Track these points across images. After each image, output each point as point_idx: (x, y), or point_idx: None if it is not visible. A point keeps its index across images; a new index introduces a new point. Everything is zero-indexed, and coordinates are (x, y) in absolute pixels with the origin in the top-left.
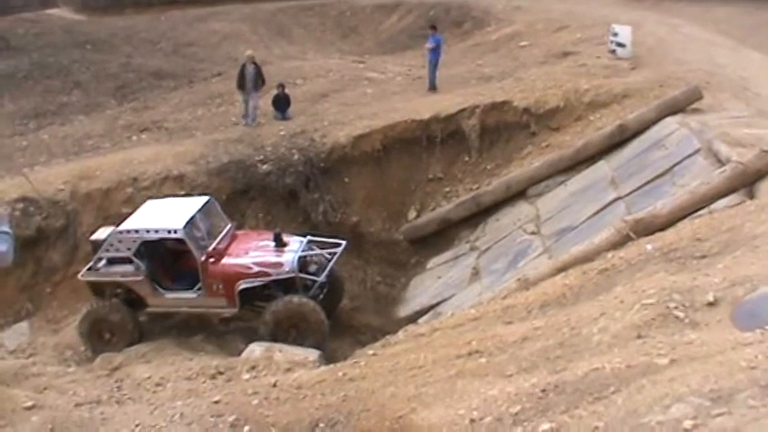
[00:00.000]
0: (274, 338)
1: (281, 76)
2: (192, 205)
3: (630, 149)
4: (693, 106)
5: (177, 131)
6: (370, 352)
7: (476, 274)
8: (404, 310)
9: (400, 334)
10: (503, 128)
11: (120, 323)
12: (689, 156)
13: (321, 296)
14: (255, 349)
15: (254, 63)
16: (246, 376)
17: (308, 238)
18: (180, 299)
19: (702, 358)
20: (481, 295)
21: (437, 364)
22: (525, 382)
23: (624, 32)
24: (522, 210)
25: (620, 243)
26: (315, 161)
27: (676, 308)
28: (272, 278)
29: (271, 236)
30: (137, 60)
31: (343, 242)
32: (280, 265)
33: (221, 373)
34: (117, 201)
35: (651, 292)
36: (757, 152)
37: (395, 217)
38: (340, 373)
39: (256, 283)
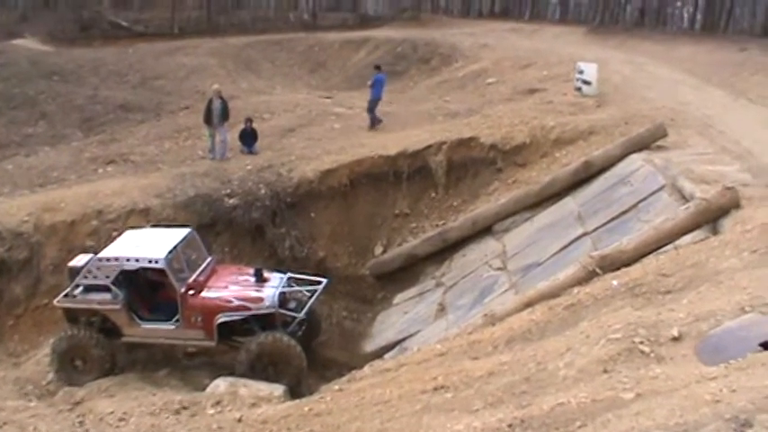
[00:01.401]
0: (251, 374)
1: (249, 111)
2: (173, 236)
3: (596, 186)
4: (658, 143)
5: (143, 164)
6: (336, 387)
7: (442, 309)
8: (370, 346)
9: (366, 369)
10: (469, 164)
11: (94, 352)
12: (654, 192)
13: (300, 333)
14: (220, 384)
15: (221, 98)
16: (211, 411)
17: (289, 274)
18: (157, 330)
19: (667, 392)
20: (447, 331)
21: (403, 400)
22: (491, 416)
23: (590, 70)
24: (488, 246)
25: (586, 279)
26: (281, 196)
27: (642, 343)
28: (251, 313)
29: (251, 271)
30: (104, 92)
31: (325, 280)
32: (260, 300)
33: (185, 408)
34: (81, 233)
35: (617, 327)
36: (720, 189)
37: (361, 252)
38: (306, 408)
39: (235, 317)
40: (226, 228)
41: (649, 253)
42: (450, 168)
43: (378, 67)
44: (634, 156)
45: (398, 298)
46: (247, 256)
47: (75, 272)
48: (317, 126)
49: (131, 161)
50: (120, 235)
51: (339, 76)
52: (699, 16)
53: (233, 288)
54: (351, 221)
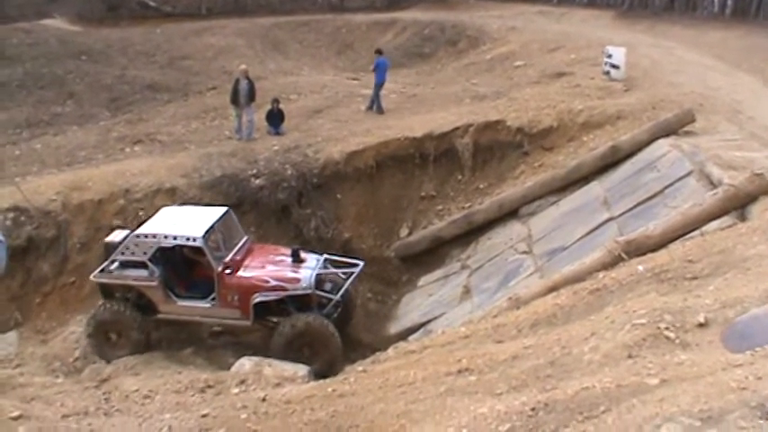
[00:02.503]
0: (285, 355)
1: (276, 91)
2: (210, 215)
3: (623, 171)
4: (686, 129)
5: (170, 144)
6: (360, 368)
7: (467, 292)
8: (394, 328)
9: (390, 351)
10: (496, 147)
11: (129, 327)
12: (681, 178)
13: (335, 315)
14: (245, 363)
15: (248, 78)
16: (236, 390)
17: (325, 256)
18: (192, 307)
19: (693, 379)
20: (472, 314)
21: (427, 382)
22: (515, 400)
23: (618, 54)
24: (513, 229)
25: (611, 264)
26: (308, 177)
27: (667, 328)
28: (288, 293)
29: (287, 251)
30: (131, 72)
31: (361, 262)
32: (297, 280)
33: (210, 387)
34: (109, 212)
35: (642, 312)
36: (749, 175)
37: (386, 234)
38: (329, 389)
39: (272, 297)
40: (252, 208)
41: (676, 239)
42: (477, 151)
43: (379, 51)
44: (661, 141)
45: (423, 280)
46: (273, 236)
47: (111, 247)
48: (343, 107)
49: (158, 141)
50: (155, 212)
51: (366, 58)
52: (729, 1)
53: (270, 268)
54: (376, 203)
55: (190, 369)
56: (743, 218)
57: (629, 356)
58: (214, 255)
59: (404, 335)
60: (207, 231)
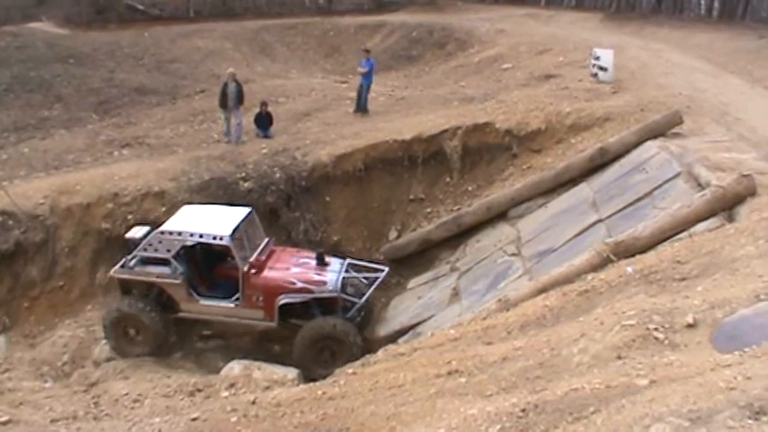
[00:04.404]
0: (306, 357)
1: (264, 94)
2: (235, 214)
3: (611, 172)
4: (674, 130)
5: (159, 148)
6: (350, 371)
7: (456, 294)
8: (383, 330)
9: (380, 353)
10: (484, 149)
11: (150, 323)
12: (669, 179)
13: (358, 319)
14: (234, 367)
15: (236, 81)
16: (225, 394)
17: (348, 260)
18: (215, 307)
19: (682, 379)
20: (461, 316)
21: (417, 384)
22: (505, 401)
23: (606, 56)
24: (502, 231)
25: (600, 265)
26: (296, 179)
27: (656, 329)
28: (314, 296)
29: (310, 254)
30: (119, 76)
31: (386, 268)
32: (323, 283)
33: (200, 391)
34: (97, 216)
35: (631, 313)
36: (737, 176)
37: (375, 237)
38: (319, 392)
39: (298, 299)
40: None
41: (664, 240)
42: (466, 153)
43: (367, 51)
44: (650, 143)
45: (412, 282)
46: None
47: (132, 243)
48: (331, 110)
49: (147, 144)
50: (176, 210)
51: (354, 61)
52: (716, 4)
53: (295, 270)
54: (365, 206)
55: (179, 373)
56: (731, 219)
57: (619, 357)
58: (240, 254)
59: (393, 337)
60: (234, 230)
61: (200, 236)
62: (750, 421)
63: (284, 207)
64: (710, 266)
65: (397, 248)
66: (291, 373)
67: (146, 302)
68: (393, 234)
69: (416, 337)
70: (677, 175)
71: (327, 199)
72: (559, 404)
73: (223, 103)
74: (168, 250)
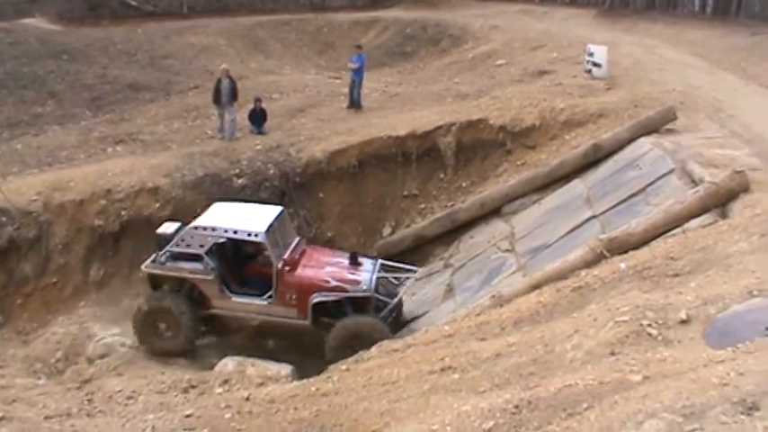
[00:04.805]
0: (336, 355)
1: (258, 91)
2: (268, 212)
3: (605, 169)
4: (668, 127)
5: (152, 144)
6: (344, 367)
7: (450, 290)
8: None
9: (374, 349)
10: (478, 146)
11: (182, 319)
12: (663, 175)
13: (391, 320)
14: (228, 363)
15: (230, 77)
16: (219, 390)
17: (381, 261)
18: (248, 304)
19: (675, 375)
20: (455, 312)
21: (410, 380)
22: (498, 398)
23: (600, 53)
24: (496, 227)
25: (594, 261)
26: (290, 176)
27: (649, 325)
28: (347, 295)
29: (343, 254)
30: (113, 72)
31: (417, 269)
32: (357, 282)
33: (194, 387)
34: (91, 212)
35: (625, 309)
36: (730, 173)
37: (369, 233)
38: (313, 388)
39: (331, 297)
40: None
41: (658, 236)
42: (460, 150)
43: (359, 47)
44: (643, 139)
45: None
46: None
47: (163, 239)
48: (325, 107)
49: (140, 141)
50: (207, 208)
51: (348, 57)
52: (710, 0)
53: (329, 269)
54: (359, 202)
55: (173, 369)
56: (724, 215)
57: (612, 353)
58: (275, 252)
59: None
60: (269, 227)
61: (235, 232)
62: (742, 416)
63: (278, 203)
64: (703, 263)
65: (390, 244)
66: (285, 369)
67: (178, 297)
68: (387, 230)
69: (410, 334)
70: (671, 172)
71: (321, 195)
72: (553, 400)
73: (217, 100)
74: (201, 246)
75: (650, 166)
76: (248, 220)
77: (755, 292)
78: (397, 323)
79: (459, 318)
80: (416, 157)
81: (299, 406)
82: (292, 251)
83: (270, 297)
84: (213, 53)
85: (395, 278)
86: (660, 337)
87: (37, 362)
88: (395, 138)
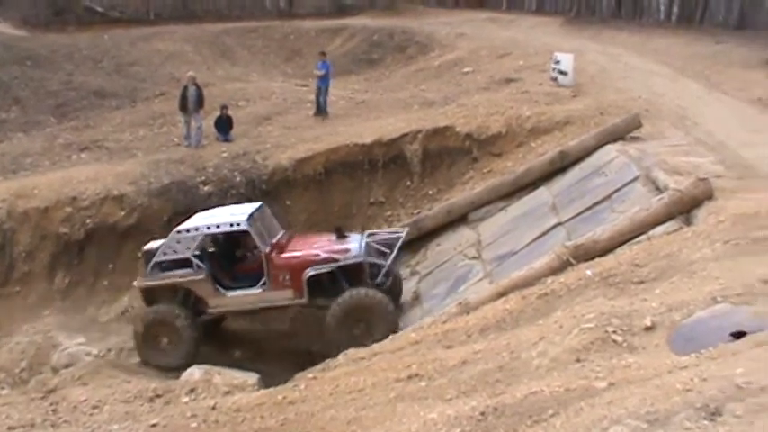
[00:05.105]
0: (341, 335)
1: (224, 98)
2: (246, 207)
3: (571, 176)
4: (633, 134)
5: (118, 151)
6: (310, 375)
7: (416, 298)
8: None
9: (340, 357)
10: (445, 153)
11: (182, 326)
12: (628, 183)
13: (387, 284)
14: (195, 372)
15: (196, 84)
16: (185, 399)
17: (367, 232)
18: (243, 296)
19: (640, 381)
20: (422, 319)
21: (377, 388)
22: (465, 405)
23: (566, 60)
24: (463, 235)
25: (560, 268)
26: (257, 183)
27: (614, 332)
28: (339, 264)
29: (329, 233)
30: (78, 78)
31: (405, 229)
32: (347, 251)
33: (159, 396)
34: (55, 220)
35: (590, 316)
36: (694, 180)
37: None
38: (279, 397)
39: (324, 269)
40: None
41: (623, 243)
42: (426, 157)
43: (323, 54)
44: (609, 146)
45: None
46: None
47: (151, 254)
48: (292, 114)
49: (106, 148)
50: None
51: (315, 65)
52: (675, 9)
53: (317, 245)
54: (326, 209)
55: (139, 378)
56: (688, 222)
57: (578, 360)
58: (261, 238)
59: None
60: (250, 216)
61: (217, 226)
62: (706, 422)
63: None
64: (668, 269)
65: None
66: (252, 378)
67: (174, 307)
68: None
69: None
70: (636, 179)
71: (288, 203)
72: (519, 407)
73: (183, 107)
74: (188, 248)
75: (616, 174)
76: (231, 214)
77: (719, 299)
78: (395, 294)
79: (426, 325)
80: (383, 164)
81: (265, 415)
82: (280, 238)
83: (263, 284)
84: (180, 60)
85: (386, 241)
86: (625, 344)
87: (0, 371)
88: (361, 145)
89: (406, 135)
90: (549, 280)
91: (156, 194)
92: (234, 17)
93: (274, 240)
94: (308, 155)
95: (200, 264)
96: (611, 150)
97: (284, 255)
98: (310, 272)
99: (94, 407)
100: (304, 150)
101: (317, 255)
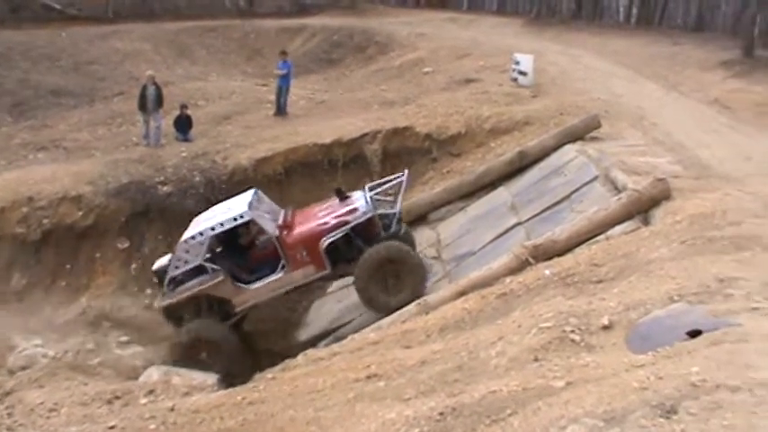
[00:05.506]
0: (369, 290)
1: (184, 97)
2: (242, 197)
3: (530, 176)
4: (592, 134)
5: (76, 151)
6: (270, 376)
7: None
8: (304, 334)
9: (300, 358)
10: (404, 153)
11: (219, 336)
12: (587, 183)
13: (402, 232)
14: (153, 373)
15: (155, 83)
16: (144, 401)
17: (368, 186)
18: (266, 285)
19: (597, 380)
20: (381, 319)
21: (336, 388)
22: (423, 405)
23: (526, 61)
24: (422, 234)
25: (519, 268)
26: (216, 183)
27: (572, 331)
28: (352, 224)
29: (329, 200)
30: (35, 77)
31: (404, 172)
32: (355, 210)
33: (118, 398)
34: (11, 220)
35: (548, 316)
36: (652, 180)
37: None
38: (239, 397)
39: (339, 233)
40: (159, 215)
41: (582, 243)
42: (386, 157)
43: (284, 53)
44: (568, 147)
45: (333, 286)
46: None
47: (162, 272)
48: (252, 114)
49: (63, 147)
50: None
51: (275, 64)
52: (634, 10)
53: (323, 213)
54: None
55: (96, 380)
56: (646, 222)
57: (536, 360)
58: (267, 223)
59: (313, 341)
60: (250, 204)
61: (221, 224)
62: (662, 420)
63: (204, 211)
64: (626, 269)
65: None
66: (211, 378)
67: (204, 320)
68: None
69: (337, 342)
70: (595, 179)
71: None
72: (477, 407)
73: (142, 106)
74: (198, 255)
75: (575, 174)
76: (228, 209)
77: (676, 298)
78: (411, 240)
79: (385, 325)
80: (342, 164)
81: (224, 415)
82: (284, 217)
83: (283, 267)
84: (139, 59)
85: (387, 194)
86: (583, 343)
87: None
88: (321, 145)
89: (365, 135)
90: (508, 280)
91: (114, 194)
92: (194, 16)
93: (280, 221)
94: (268, 155)
95: (215, 266)
96: (570, 150)
97: (295, 232)
98: (326, 241)
99: (51, 410)
100: (264, 150)
101: (327, 222)
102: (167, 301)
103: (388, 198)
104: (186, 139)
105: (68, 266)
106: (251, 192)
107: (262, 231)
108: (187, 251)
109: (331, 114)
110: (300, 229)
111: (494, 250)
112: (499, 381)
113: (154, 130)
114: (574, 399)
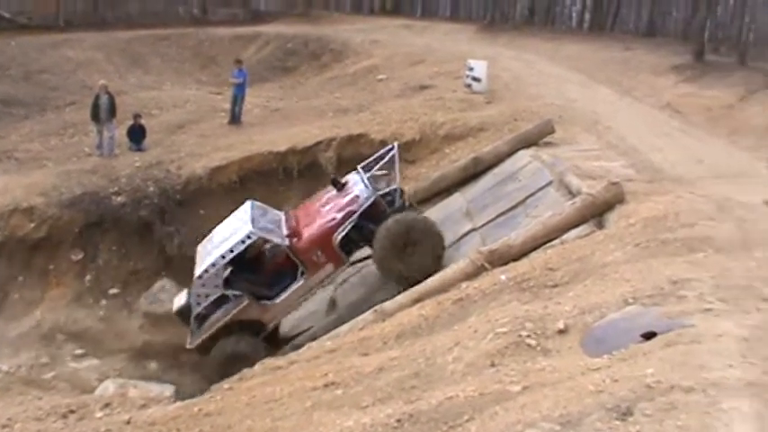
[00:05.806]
0: (390, 261)
1: (137, 106)
2: (241, 215)
3: (485, 182)
4: (546, 140)
5: (27, 162)
6: (227, 386)
7: (333, 305)
8: None
9: (257, 367)
10: (359, 160)
11: (250, 352)
12: (541, 188)
13: (407, 205)
14: (109, 386)
15: (108, 93)
16: (100, 414)
17: (359, 167)
18: (291, 295)
19: (553, 384)
20: (338, 327)
21: (293, 397)
22: (380, 412)
23: (480, 67)
24: None
25: (474, 274)
26: (170, 193)
27: (528, 336)
28: (358, 212)
29: (325, 190)
30: None
31: (393, 144)
32: (357, 198)
33: (73, 412)
34: None
35: (504, 321)
36: (606, 184)
37: None
38: (195, 409)
39: (348, 226)
40: (113, 226)
41: (537, 247)
42: (341, 164)
43: (239, 62)
44: (522, 152)
45: None
46: (135, 254)
47: (185, 309)
48: (206, 122)
49: (14, 158)
50: None
51: (229, 72)
52: (587, 16)
53: (326, 210)
54: None
55: (51, 394)
56: (600, 226)
57: (492, 365)
58: (275, 235)
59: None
60: (252, 221)
61: (231, 250)
62: (617, 422)
63: (158, 221)
64: (581, 272)
65: None
66: (168, 390)
67: (242, 339)
68: None
69: (294, 350)
70: (549, 184)
71: (202, 212)
72: (434, 413)
73: (95, 116)
74: (216, 286)
75: (529, 179)
76: (234, 232)
77: (630, 300)
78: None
79: (342, 333)
80: (298, 172)
81: (181, 427)
82: (288, 223)
83: (302, 274)
84: (91, 68)
85: (381, 167)
86: (539, 348)
87: None
88: (275, 153)
89: (320, 143)
90: (464, 285)
91: (67, 205)
92: (147, 24)
93: (285, 230)
94: (223, 163)
95: (236, 292)
96: (524, 156)
97: (305, 237)
98: (338, 237)
99: (4, 426)
100: (218, 159)
101: (334, 218)
102: (199, 340)
103: (383, 173)
104: (140, 149)
105: (21, 279)
106: (248, 205)
107: (264, 243)
108: (203, 285)
109: (286, 122)
110: (309, 231)
111: (449, 256)
112: (456, 386)
113: (107, 140)
114: (530, 403)
